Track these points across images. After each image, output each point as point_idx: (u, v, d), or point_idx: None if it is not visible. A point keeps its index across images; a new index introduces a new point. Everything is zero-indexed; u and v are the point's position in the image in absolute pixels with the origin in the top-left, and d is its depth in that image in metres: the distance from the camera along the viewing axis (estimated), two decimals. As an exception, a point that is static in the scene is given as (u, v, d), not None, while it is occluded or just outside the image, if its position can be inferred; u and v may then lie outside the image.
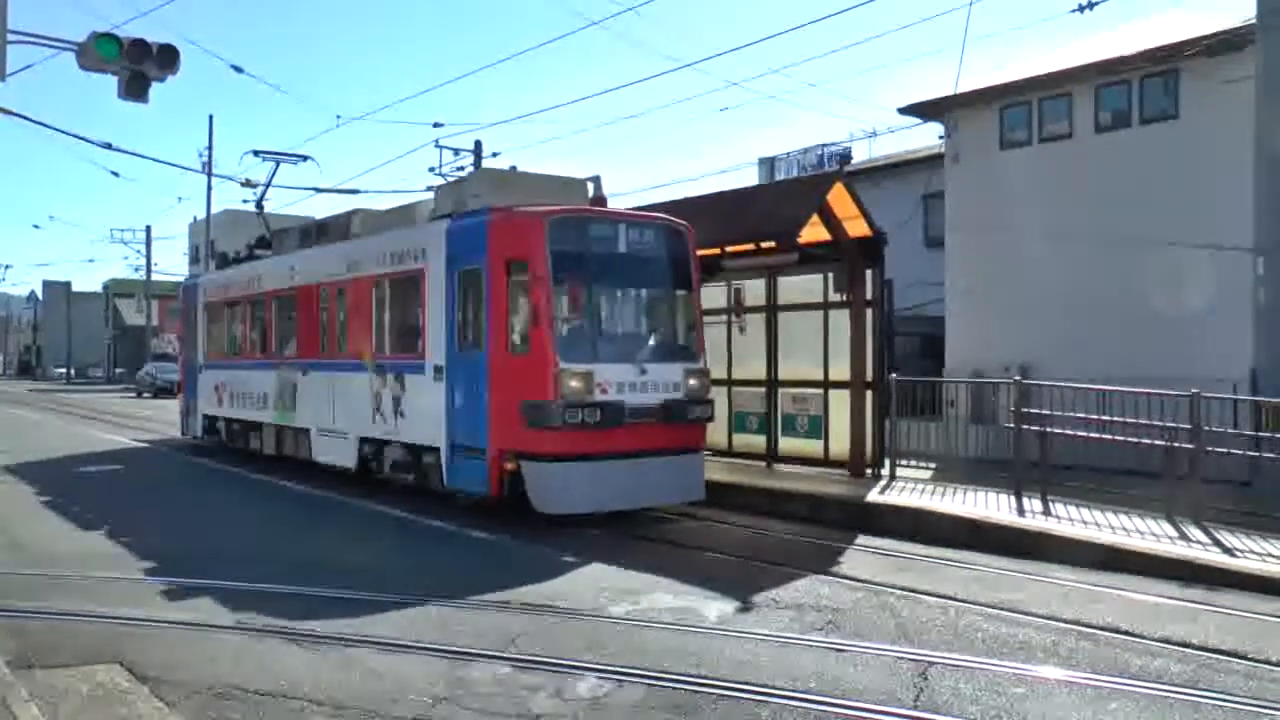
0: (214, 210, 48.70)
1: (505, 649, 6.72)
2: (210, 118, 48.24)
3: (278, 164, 20.31)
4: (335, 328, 15.37)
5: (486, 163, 33.25)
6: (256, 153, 20.15)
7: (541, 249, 11.37)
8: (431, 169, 33.70)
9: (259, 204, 20.75)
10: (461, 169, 33.00)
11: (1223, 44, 15.63)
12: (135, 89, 12.50)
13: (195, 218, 57.92)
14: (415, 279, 13.33)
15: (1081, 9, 15.29)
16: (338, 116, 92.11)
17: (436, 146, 33.14)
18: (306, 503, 14.24)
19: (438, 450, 12.70)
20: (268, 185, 20.68)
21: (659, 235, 12.31)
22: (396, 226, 14.33)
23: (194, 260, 57.95)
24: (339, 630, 7.13)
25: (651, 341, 12.27)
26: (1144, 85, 17.43)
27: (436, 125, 31.65)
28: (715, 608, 7.95)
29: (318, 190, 37.30)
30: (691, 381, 12.11)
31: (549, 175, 13.39)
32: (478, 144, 33.50)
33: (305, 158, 20.60)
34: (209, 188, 46.55)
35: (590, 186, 12.74)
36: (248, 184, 31.41)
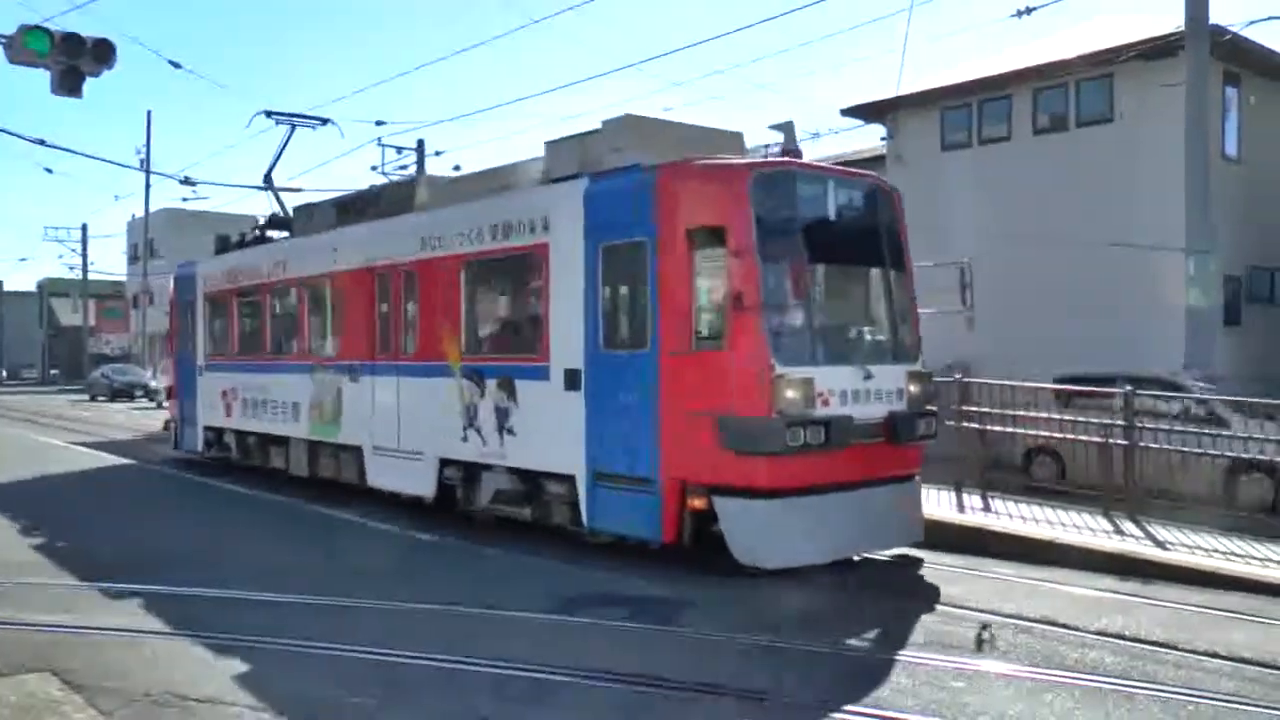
0: (153, 209, 47.63)
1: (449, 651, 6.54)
2: (148, 114, 45.83)
3: (293, 127, 17.05)
4: (401, 321, 12.28)
5: (430, 163, 32.29)
6: (269, 114, 16.86)
7: (744, 213, 8.49)
8: (374, 168, 32.73)
9: (268, 176, 17.45)
10: (404, 168, 32.25)
11: (1156, 49, 16.34)
12: (69, 83, 12.11)
13: (134, 216, 56.76)
14: (531, 258, 10.35)
15: (1020, 14, 15.37)
16: (258, 121, 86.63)
17: (379, 145, 32.19)
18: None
19: (569, 479, 9.77)
20: (280, 154, 17.40)
21: (871, 197, 9.50)
22: (489, 193, 11.29)
23: (133, 259, 57.24)
24: (279, 635, 6.95)
25: (868, 337, 9.45)
26: (1081, 88, 18.28)
27: (379, 124, 29.29)
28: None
29: (259, 188, 35.69)
30: (914, 388, 9.35)
31: (700, 126, 10.50)
32: (420, 143, 32.72)
33: (325, 120, 17.36)
34: (147, 185, 44.46)
35: (764, 136, 9.85)
36: (187, 182, 31.51)
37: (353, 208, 13.97)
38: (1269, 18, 21.99)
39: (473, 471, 11.16)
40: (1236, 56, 17.67)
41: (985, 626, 7.32)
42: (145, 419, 30.62)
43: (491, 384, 10.70)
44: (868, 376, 8.85)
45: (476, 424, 10.89)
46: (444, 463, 11.51)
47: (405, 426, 12.06)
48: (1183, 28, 14.46)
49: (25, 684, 6.00)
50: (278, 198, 17.38)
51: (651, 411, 8.91)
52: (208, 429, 17.16)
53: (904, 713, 5.53)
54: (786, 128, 9.50)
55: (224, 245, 17.72)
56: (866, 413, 8.78)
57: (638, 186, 9.15)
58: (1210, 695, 5.90)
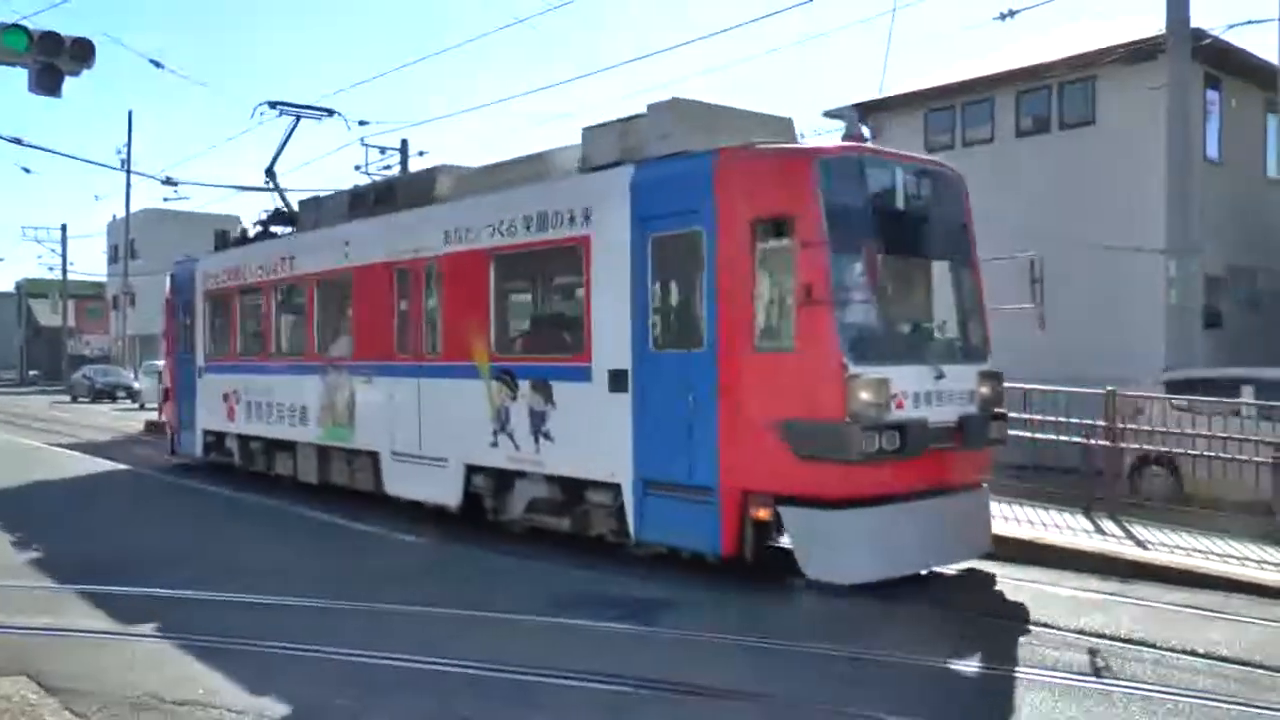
0: (134, 209, 47.18)
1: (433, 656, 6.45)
2: (130, 114, 45.15)
3: (297, 119, 16.34)
4: (423, 319, 11.59)
5: (414, 162, 31.67)
6: (273, 104, 16.15)
7: (813, 201, 7.88)
8: (358, 167, 32.27)
9: (270, 170, 16.70)
10: (388, 168, 31.85)
11: (1137, 53, 16.34)
12: (47, 82, 11.70)
13: (115, 216, 56.21)
14: (570, 251, 9.71)
15: (1004, 16, 15.34)
16: (261, 112, 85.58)
17: (363, 145, 31.67)
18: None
19: (614, 488, 9.14)
20: (283, 146, 16.64)
21: (939, 184, 8.91)
22: (520, 183, 10.63)
23: (113, 260, 56.89)
24: (261, 637, 6.88)
25: (938, 334, 8.87)
26: (1063, 91, 18.34)
27: (362, 124, 28.57)
28: None
29: (239, 188, 36.15)
30: (984, 389, 8.78)
31: (749, 111, 9.87)
32: (404, 143, 32.48)
33: (330, 112, 16.67)
34: (128, 185, 43.73)
35: (831, 123, 9.21)
36: (169, 182, 31.16)
37: (366, 200, 13.28)
38: (1249, 21, 22.05)
39: (504, 479, 10.50)
40: (1217, 60, 17.73)
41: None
42: (128, 420, 29.91)
43: (525, 386, 10.05)
44: (940, 376, 8.27)
45: (508, 428, 10.24)
46: (471, 469, 10.85)
47: (428, 431, 11.39)
48: (1164, 31, 14.51)
49: (0, 687, 5.88)
50: (280, 192, 16.64)
51: (710, 415, 8.29)
52: (208, 433, 16.40)
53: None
54: (847, 114, 8.96)
55: (224, 241, 16.99)
56: (938, 415, 8.20)
57: (694, 173, 8.52)
58: None
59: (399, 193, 12.68)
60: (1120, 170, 16.89)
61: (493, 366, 10.47)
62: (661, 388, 8.73)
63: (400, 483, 11.91)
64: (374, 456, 12.32)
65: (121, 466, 18.12)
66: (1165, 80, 14.53)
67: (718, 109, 9.58)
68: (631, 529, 8.98)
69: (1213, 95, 18.67)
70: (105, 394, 42.07)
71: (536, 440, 9.92)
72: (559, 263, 10.05)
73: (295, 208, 15.74)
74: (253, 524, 12.69)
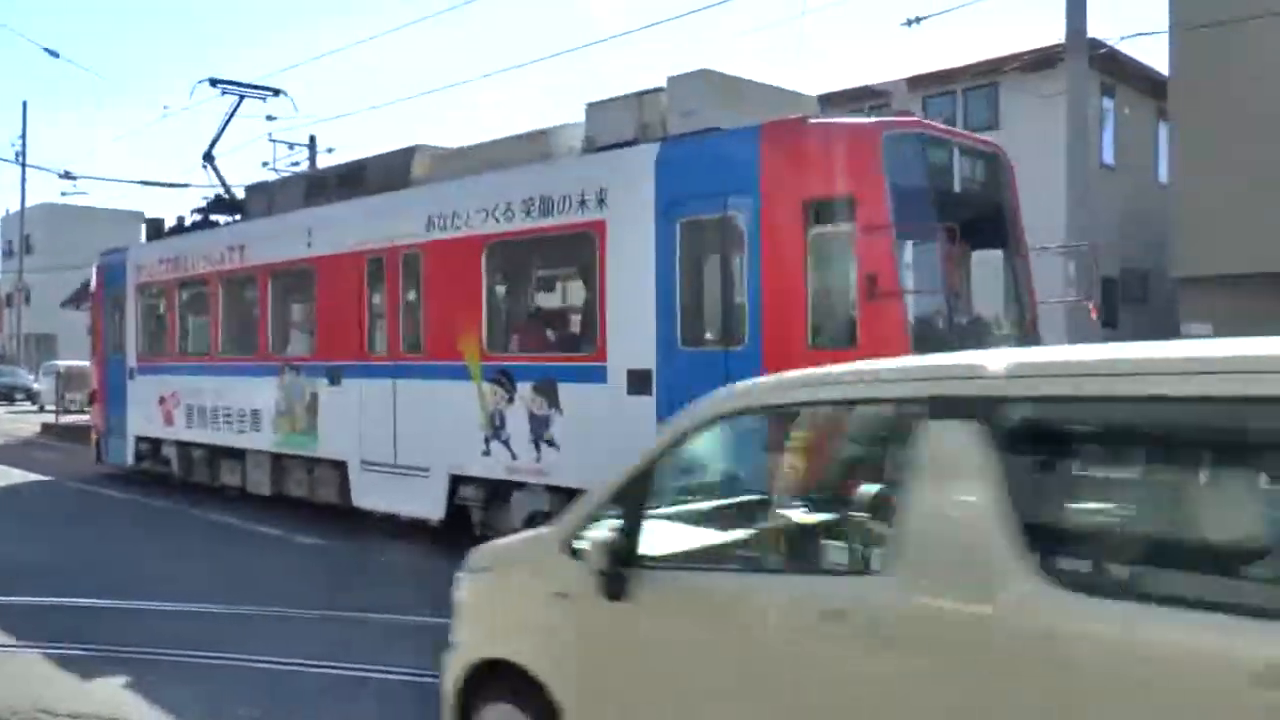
0: (31, 204, 46.16)
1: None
2: (24, 104, 42.74)
3: (240, 99, 15.06)
4: (399, 314, 10.53)
5: (322, 159, 30.46)
6: (214, 82, 14.84)
7: (878, 180, 7.13)
8: (265, 164, 31.89)
9: (209, 154, 15.34)
10: (296, 164, 31.43)
11: (1038, 60, 16.76)
12: None
13: (8, 211, 54.73)
14: (580, 238, 8.80)
15: (910, 23, 15.67)
16: (165, 106, 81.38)
17: (271, 140, 31.20)
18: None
19: (634, 499, 8.23)
20: (223, 129, 15.33)
21: (994, 166, 8.24)
22: (513, 164, 9.66)
23: (7, 256, 53.86)
24: (165, 645, 6.66)
25: (996, 329, 8.18)
26: (968, 97, 18.87)
27: (270, 119, 27.47)
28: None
29: (144, 183, 35.04)
30: None
31: (777, 87, 9.09)
32: (312, 138, 31.86)
33: (276, 91, 15.40)
34: (23, 179, 41.10)
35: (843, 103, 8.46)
36: (66, 176, 30.86)
37: (328, 184, 12.12)
38: (1141, 33, 22.61)
39: (498, 491, 9.52)
40: (1112, 69, 18.37)
41: None
42: (24, 423, 28.05)
43: (525, 387, 9.09)
44: None
45: (504, 435, 9.27)
46: (457, 480, 9.84)
47: (405, 438, 10.33)
48: (1063, 40, 14.64)
49: None
50: (220, 177, 15.32)
51: (752, 419, 7.45)
52: (141, 439, 14.95)
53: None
54: (896, 87, 8.13)
55: (158, 230, 15.56)
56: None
57: (735, 151, 7.70)
58: None
59: (368, 175, 11.56)
60: (1022, 174, 17.27)
61: (485, 366, 9.48)
62: (693, 389, 7.80)
63: (371, 495, 10.81)
64: (340, 466, 11.20)
65: (35, 477, 16.54)
66: (1064, 87, 14.76)
67: (745, 82, 8.78)
68: (656, 545, 8.09)
69: (1108, 103, 19.40)
70: (3, 396, 39.50)
71: (538, 448, 8.97)
72: (566, 251, 9.15)
73: (244, 194, 14.44)
74: (163, 532, 11.98)
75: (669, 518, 3.73)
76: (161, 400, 14.27)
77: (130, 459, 15.17)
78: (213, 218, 14.75)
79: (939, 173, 7.58)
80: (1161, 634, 2.38)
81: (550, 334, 9.49)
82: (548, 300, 10.03)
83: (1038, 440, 2.92)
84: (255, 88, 15.17)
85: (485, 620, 4.09)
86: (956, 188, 7.73)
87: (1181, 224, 17.04)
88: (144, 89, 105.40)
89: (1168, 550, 2.77)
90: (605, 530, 3.51)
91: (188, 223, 15.14)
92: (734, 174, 7.62)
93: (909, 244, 7.20)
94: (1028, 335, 8.31)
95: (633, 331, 8.25)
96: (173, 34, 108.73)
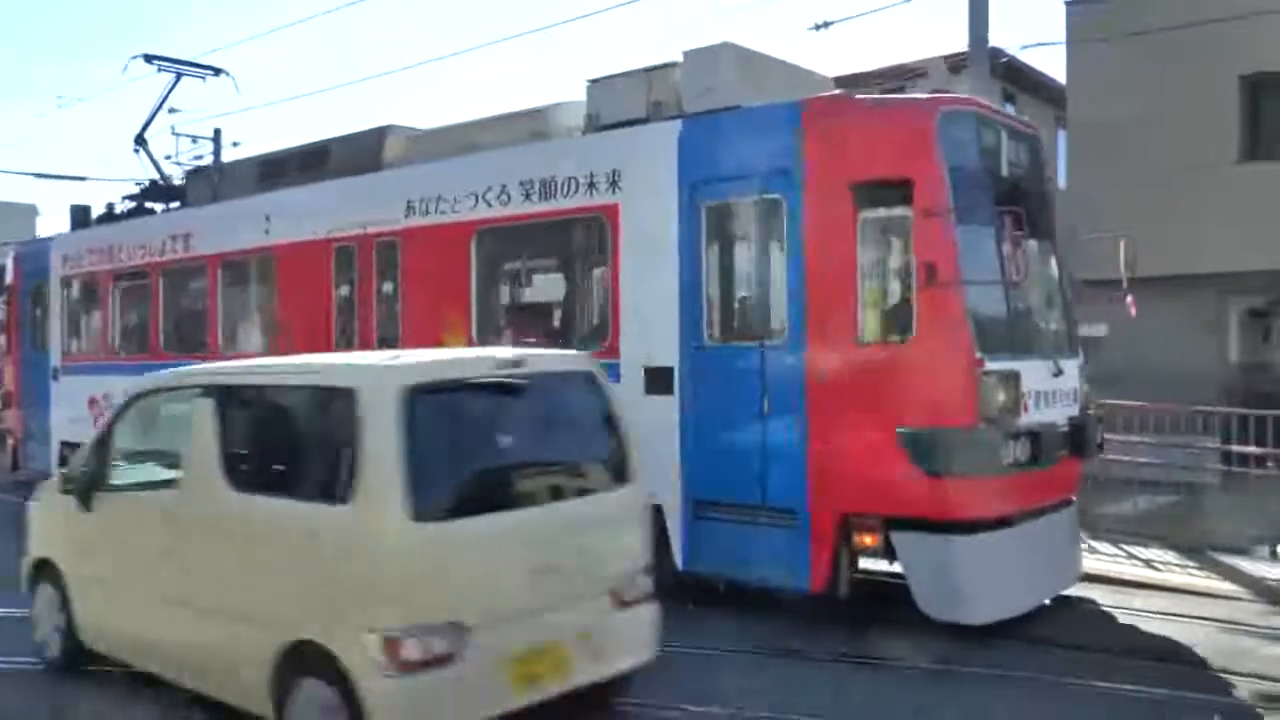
0: None
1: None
2: None
3: (178, 77, 13.90)
4: (373, 307, 9.65)
5: (228, 153, 29.51)
6: (149, 58, 13.64)
7: (936, 162, 6.55)
8: (168, 157, 29.55)
9: (141, 137, 14.14)
10: (199, 158, 29.75)
11: (949, 66, 16.05)
12: None
13: None
14: (589, 223, 8.09)
15: (818, 27, 15.28)
16: (59, 97, 76.81)
17: (173, 134, 29.41)
18: None
19: (653, 512, 7.53)
20: (158, 109, 14.14)
21: (1036, 150, 7.72)
22: (504, 145, 8.86)
23: None
24: None
25: (1045, 324, 7.67)
26: None
27: (173, 111, 25.92)
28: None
29: (38, 175, 33.10)
30: (1086, 387, 7.68)
31: (795, 65, 8.47)
32: (217, 132, 30.53)
33: (217, 70, 14.27)
34: None
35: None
36: None
37: (287, 166, 11.11)
38: (1040, 44, 23.06)
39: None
40: (1013, 77, 18.56)
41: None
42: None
43: (522, 387, 8.30)
44: (1058, 373, 7.09)
45: (498, 438, 8.46)
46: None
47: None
48: (967, 48, 14.65)
49: None
50: (154, 162, 14.15)
51: (792, 421, 6.83)
52: (66, 445, 13.62)
53: None
54: (934, 65, 7.55)
55: (84, 218, 14.29)
56: (1054, 419, 7.01)
57: (773, 129, 7.05)
58: None
59: (333, 157, 10.61)
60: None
61: (475, 364, 8.65)
62: (721, 388, 7.21)
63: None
64: (302, 473, 10.25)
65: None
66: (968, 94, 14.92)
67: (768, 59, 8.14)
68: (677, 557, 7.41)
69: (1009, 110, 19.51)
70: None
71: (538, 452, 8.19)
72: (571, 238, 8.40)
73: (184, 179, 13.31)
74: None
75: (120, 459, 6.01)
76: (92, 402, 13.01)
77: (53, 467, 13.85)
78: (148, 205, 13.57)
79: (992, 154, 7.03)
80: (263, 504, 4.90)
81: (551, 328, 8.72)
82: (548, 291, 9.24)
83: (232, 408, 5.31)
84: (194, 65, 14.04)
85: (36, 533, 6.49)
86: (1004, 171, 7.20)
87: (1080, 229, 16.98)
88: (36, 79, 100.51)
89: (271, 460, 5.22)
90: (82, 468, 6.05)
91: (120, 210, 13.94)
92: (772, 154, 6.97)
93: (969, 229, 6.62)
94: (1071, 329, 7.86)
95: (651, 326, 7.55)
96: (62, 20, 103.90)
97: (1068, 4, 15.97)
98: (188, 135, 30.40)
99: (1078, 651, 6.43)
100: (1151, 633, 6.97)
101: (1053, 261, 7.85)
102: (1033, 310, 7.50)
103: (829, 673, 6.18)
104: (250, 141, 53.02)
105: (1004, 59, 15.85)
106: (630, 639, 5.02)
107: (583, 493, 5.08)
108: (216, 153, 30.18)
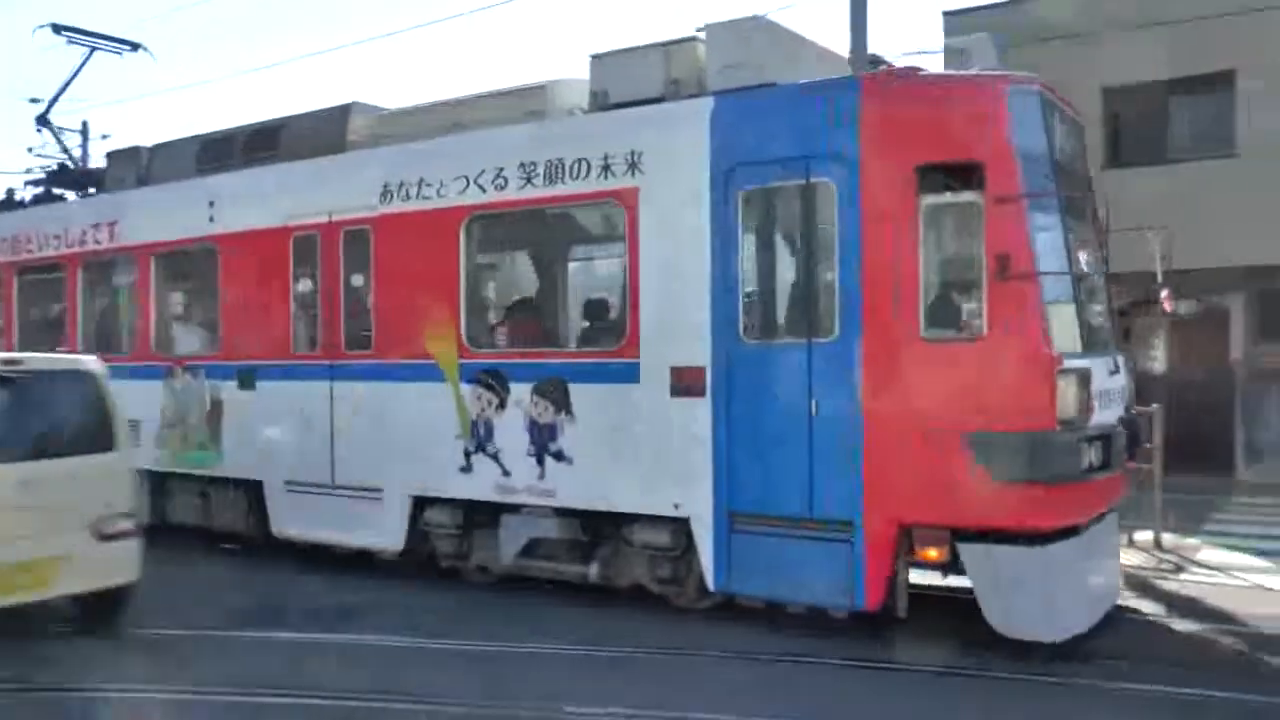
0: None
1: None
2: None
3: (91, 50, 12.64)
4: (340, 303, 8.73)
5: (95, 146, 28.06)
6: (58, 28, 12.35)
7: (1007, 145, 6.09)
8: (31, 149, 28.99)
9: (43, 118, 12.82)
10: (66, 151, 27.67)
11: None
12: None
13: None
14: (603, 209, 7.41)
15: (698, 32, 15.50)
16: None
17: (38, 127, 27.84)
18: None
19: (677, 524, 6.91)
20: (67, 85, 12.82)
21: (1082, 136, 7.34)
22: (496, 124, 8.08)
23: None
24: None
25: (1098, 319, 7.27)
26: None
27: (33, 101, 24.26)
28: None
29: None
30: (1132, 385, 7.36)
31: (820, 45, 7.94)
32: (85, 125, 28.47)
33: (135, 45, 13.03)
34: None
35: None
36: None
37: (233, 147, 10.03)
38: (921, 51, 23.61)
39: (483, 515, 7.92)
40: None
41: None
42: None
43: (521, 390, 7.55)
44: (1114, 371, 6.71)
45: (492, 447, 7.70)
46: (421, 502, 8.17)
47: (348, 451, 8.55)
48: (849, 56, 14.94)
49: None
50: (61, 143, 12.87)
51: (847, 425, 6.26)
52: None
53: None
54: (979, 42, 7.10)
55: (-14, 204, 12.86)
56: (1109, 420, 6.62)
57: (824, 107, 6.46)
58: None
59: (286, 137, 9.62)
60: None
61: (465, 365, 7.87)
62: (762, 390, 6.60)
63: (299, 522, 8.94)
64: (252, 487, 9.26)
65: None
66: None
67: (799, 36, 7.58)
68: (709, 576, 6.77)
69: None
70: None
71: (541, 463, 7.45)
72: (581, 225, 7.72)
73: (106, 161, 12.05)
74: None
75: None
76: None
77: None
78: (56, 191, 12.27)
79: (1057, 138, 6.59)
80: None
81: (556, 325, 7.99)
82: (552, 284, 8.48)
83: None
84: (109, 39, 12.78)
85: None
86: (1064, 156, 6.79)
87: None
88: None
89: None
90: None
91: (21, 197, 12.57)
92: (823, 134, 6.40)
93: (1041, 217, 6.18)
94: (1115, 323, 7.51)
95: (677, 323, 6.90)
96: None
97: (945, 14, 15.87)
98: (53, 128, 29.31)
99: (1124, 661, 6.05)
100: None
101: (1100, 252, 7.49)
102: (1093, 304, 7.11)
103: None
104: (156, 130, 49.86)
105: (883, 67, 15.89)
106: (111, 564, 6.69)
107: (66, 455, 6.66)
108: (84, 145, 28.74)
